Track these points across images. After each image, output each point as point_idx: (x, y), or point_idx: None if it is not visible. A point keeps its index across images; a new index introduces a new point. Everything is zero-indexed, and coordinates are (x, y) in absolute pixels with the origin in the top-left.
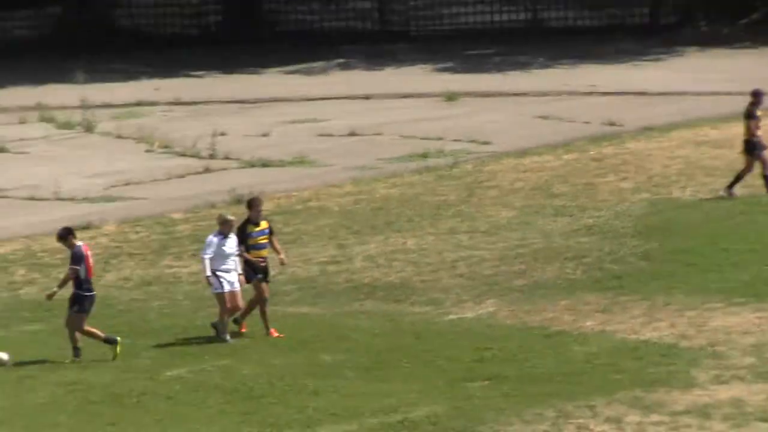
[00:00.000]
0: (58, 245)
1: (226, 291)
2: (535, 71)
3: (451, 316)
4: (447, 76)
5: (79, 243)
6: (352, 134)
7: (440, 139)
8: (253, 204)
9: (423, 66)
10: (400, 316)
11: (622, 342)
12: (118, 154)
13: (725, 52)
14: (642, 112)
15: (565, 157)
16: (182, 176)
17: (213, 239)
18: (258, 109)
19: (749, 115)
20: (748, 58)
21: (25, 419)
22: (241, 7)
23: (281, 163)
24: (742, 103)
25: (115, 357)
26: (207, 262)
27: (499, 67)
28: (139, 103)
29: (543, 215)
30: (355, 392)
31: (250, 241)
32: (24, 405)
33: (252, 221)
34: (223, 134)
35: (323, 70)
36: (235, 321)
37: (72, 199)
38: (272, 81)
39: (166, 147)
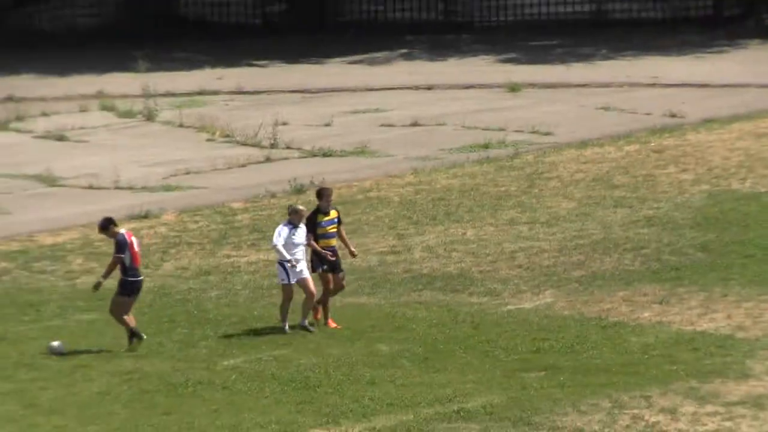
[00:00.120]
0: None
1: (292, 282)
2: (598, 63)
3: (509, 307)
4: (510, 67)
5: (122, 231)
6: (413, 124)
7: (502, 130)
8: (323, 193)
9: (486, 57)
10: (458, 306)
11: (678, 333)
12: (179, 143)
13: None
14: (704, 104)
15: (626, 148)
16: (243, 166)
17: (284, 228)
18: (320, 99)
19: None
20: None
21: (79, 409)
22: None
23: (342, 153)
24: None
25: (130, 348)
26: (281, 248)
27: (562, 59)
28: (201, 92)
29: (603, 206)
30: (411, 382)
31: (319, 231)
32: (78, 394)
33: (321, 210)
34: (284, 124)
35: (386, 61)
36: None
37: (131, 188)
38: (334, 71)
39: (227, 136)
